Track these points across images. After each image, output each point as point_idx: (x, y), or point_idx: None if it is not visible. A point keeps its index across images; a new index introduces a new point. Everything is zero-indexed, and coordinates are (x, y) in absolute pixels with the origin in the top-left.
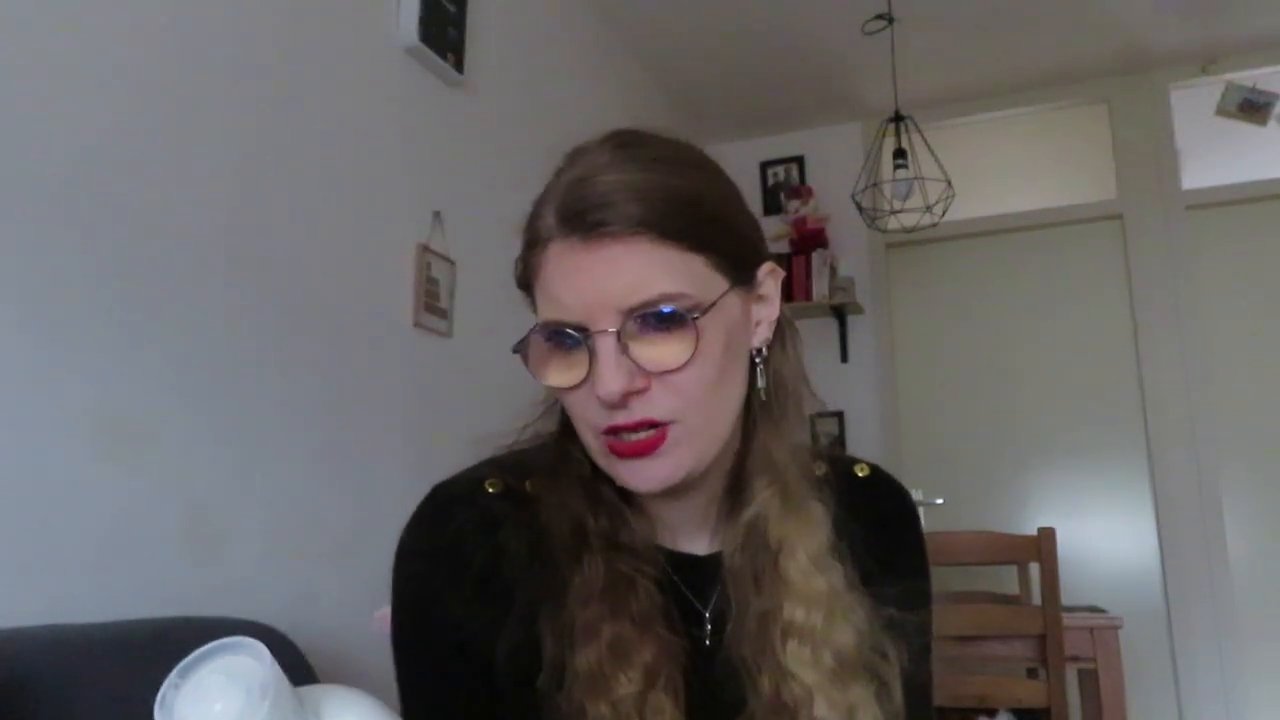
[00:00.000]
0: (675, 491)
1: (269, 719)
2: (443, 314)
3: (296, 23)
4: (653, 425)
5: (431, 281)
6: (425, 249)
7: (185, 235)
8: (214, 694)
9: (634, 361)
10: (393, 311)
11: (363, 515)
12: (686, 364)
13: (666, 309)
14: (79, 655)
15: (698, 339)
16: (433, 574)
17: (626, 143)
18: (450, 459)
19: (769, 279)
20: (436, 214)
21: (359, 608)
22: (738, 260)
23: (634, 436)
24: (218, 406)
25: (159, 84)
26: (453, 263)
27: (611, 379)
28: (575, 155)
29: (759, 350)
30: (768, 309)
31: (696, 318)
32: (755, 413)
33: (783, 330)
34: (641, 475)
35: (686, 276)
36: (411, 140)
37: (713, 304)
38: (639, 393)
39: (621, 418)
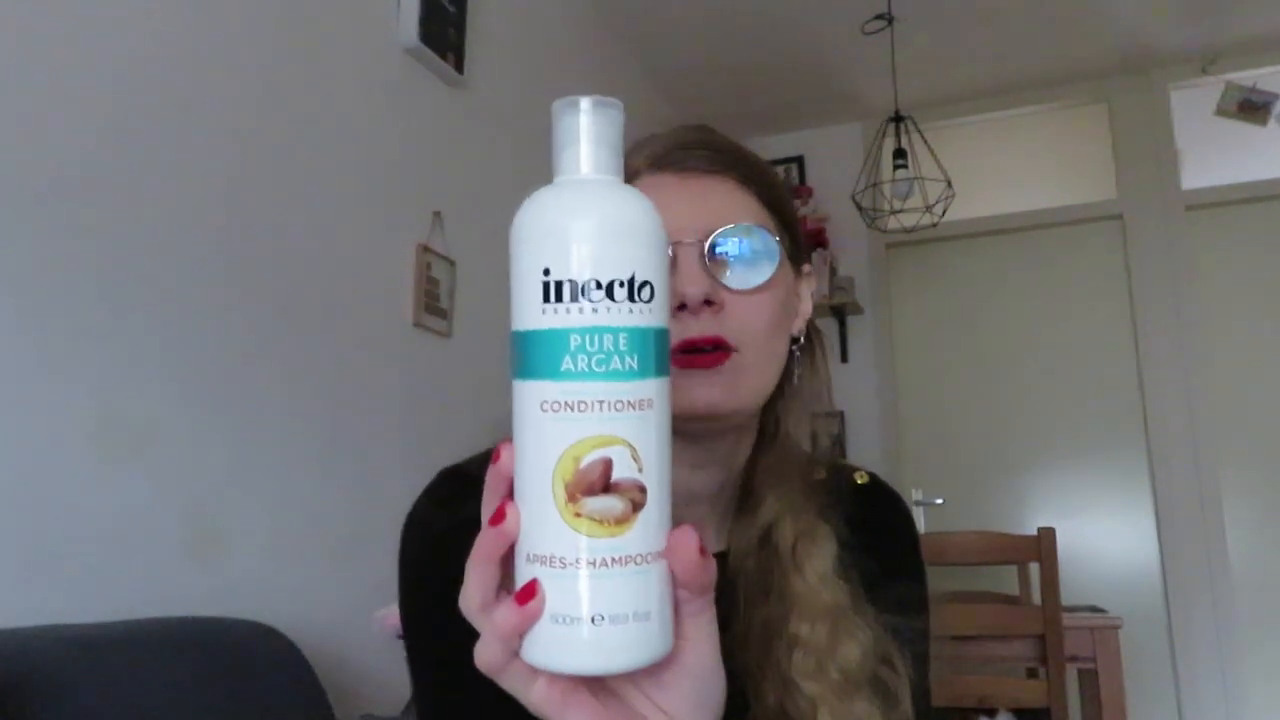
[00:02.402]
0: (707, 439)
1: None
2: (443, 314)
3: (296, 23)
4: (720, 347)
5: (431, 281)
6: (425, 249)
7: (185, 235)
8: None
9: (712, 278)
10: (393, 311)
11: (363, 515)
12: (760, 289)
13: (751, 229)
14: (79, 655)
15: (775, 269)
16: (440, 548)
17: (700, 128)
18: (450, 459)
19: (807, 280)
20: (436, 214)
21: (359, 608)
22: (795, 242)
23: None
24: (218, 406)
25: (158, 84)
26: (453, 263)
27: (696, 280)
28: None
29: (795, 339)
30: (804, 306)
31: (779, 240)
32: (778, 406)
33: (811, 337)
34: (697, 391)
35: (765, 223)
36: (411, 140)
37: (782, 250)
38: (713, 308)
39: (694, 331)
